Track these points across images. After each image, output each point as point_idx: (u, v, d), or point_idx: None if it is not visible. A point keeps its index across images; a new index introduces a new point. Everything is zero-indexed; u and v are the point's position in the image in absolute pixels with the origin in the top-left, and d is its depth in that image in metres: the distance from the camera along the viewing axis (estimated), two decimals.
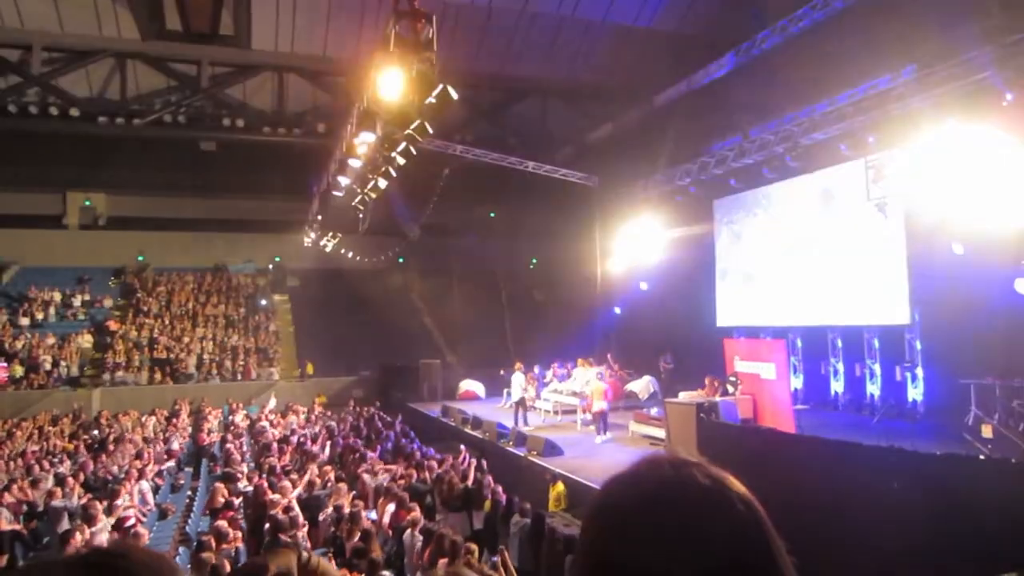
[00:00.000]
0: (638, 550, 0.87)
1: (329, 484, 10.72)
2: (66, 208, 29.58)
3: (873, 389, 15.76)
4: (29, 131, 21.99)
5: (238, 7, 18.95)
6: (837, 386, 16.90)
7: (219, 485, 10.87)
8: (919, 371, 14.61)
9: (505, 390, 21.22)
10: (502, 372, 21.34)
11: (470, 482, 10.23)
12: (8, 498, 10.95)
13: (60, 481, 12.03)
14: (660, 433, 13.25)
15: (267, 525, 8.25)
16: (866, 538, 7.14)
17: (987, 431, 11.09)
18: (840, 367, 16.89)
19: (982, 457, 9.44)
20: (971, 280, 13.35)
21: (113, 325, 26.59)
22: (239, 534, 8.54)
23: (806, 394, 17.49)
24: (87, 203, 29.86)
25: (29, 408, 21.46)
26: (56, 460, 14.70)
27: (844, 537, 7.16)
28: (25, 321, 25.79)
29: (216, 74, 23.06)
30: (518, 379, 17.27)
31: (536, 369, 20.19)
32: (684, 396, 13.77)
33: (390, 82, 9.17)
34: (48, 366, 23.82)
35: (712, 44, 18.14)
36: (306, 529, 8.70)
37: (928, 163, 13.42)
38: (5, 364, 23.23)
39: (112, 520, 9.16)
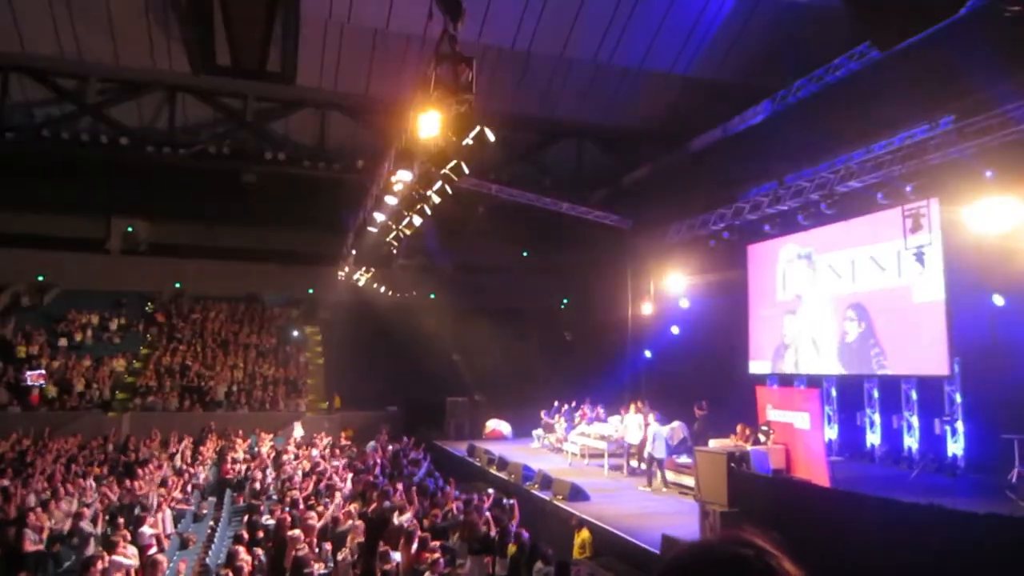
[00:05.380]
0: None
1: (351, 521, 10.65)
2: (109, 233, 30.35)
3: (911, 442, 15.31)
4: (80, 158, 22.71)
5: (286, 46, 19.45)
6: (873, 438, 16.46)
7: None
8: (959, 425, 14.17)
9: (534, 431, 21.05)
10: (543, 414, 20.98)
11: (493, 531, 10.02)
12: (33, 519, 11.03)
13: (86, 505, 12.13)
14: (689, 481, 12.98)
15: (288, 562, 8.20)
16: None
17: None
18: (876, 418, 16.46)
19: None
20: (1013, 332, 13.04)
21: (146, 350, 27.04)
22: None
23: (841, 446, 17.05)
24: (129, 229, 30.61)
25: (59, 429, 21.75)
26: (83, 483, 14.81)
27: None
28: (63, 342, 26.32)
29: (261, 108, 23.71)
30: (635, 421, 16.01)
31: (564, 408, 20.00)
32: (714, 444, 13.51)
33: (429, 122, 9.32)
34: (81, 388, 24.21)
35: (748, 91, 18.20)
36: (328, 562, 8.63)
37: (967, 213, 13.23)
38: (44, 372, 23.62)
39: (135, 548, 9.17)
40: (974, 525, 7.03)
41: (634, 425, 15.85)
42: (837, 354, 16.62)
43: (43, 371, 23.66)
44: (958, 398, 14.19)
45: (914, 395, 15.32)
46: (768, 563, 1.17)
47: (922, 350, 14.52)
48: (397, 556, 9.03)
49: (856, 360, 16.14)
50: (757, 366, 18.93)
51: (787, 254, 18.09)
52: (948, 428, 14.35)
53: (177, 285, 30.95)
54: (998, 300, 13.32)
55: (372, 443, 21.16)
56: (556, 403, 20.59)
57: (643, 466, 15.26)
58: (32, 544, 10.42)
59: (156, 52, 20.30)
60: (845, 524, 7.80)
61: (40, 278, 28.91)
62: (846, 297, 16.44)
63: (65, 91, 22.24)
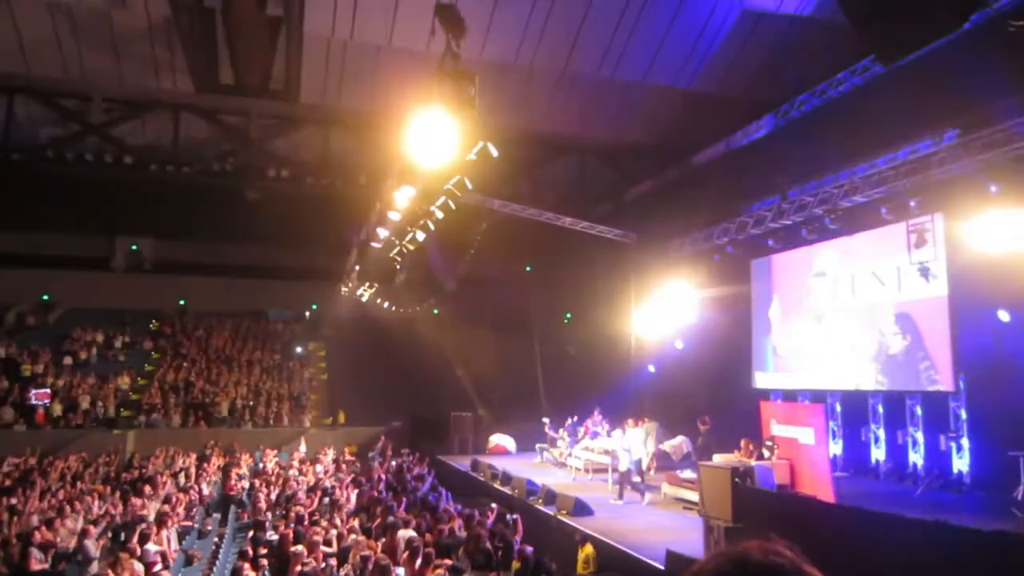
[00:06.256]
0: None
1: (355, 536, 10.61)
2: (114, 251, 30.47)
3: (916, 458, 15.22)
4: (84, 177, 22.85)
5: (289, 64, 19.66)
6: (878, 454, 16.38)
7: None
8: (964, 441, 14.10)
9: (537, 445, 20.97)
10: (548, 428, 20.83)
11: (492, 549, 9.95)
12: (39, 538, 11.01)
13: (92, 523, 12.10)
14: (693, 496, 12.91)
15: None
16: None
17: None
18: (881, 434, 16.38)
19: None
20: (1019, 348, 12.98)
21: (150, 367, 27.07)
22: None
23: (845, 461, 16.96)
24: (134, 247, 30.73)
25: (64, 447, 21.73)
26: (88, 501, 14.78)
27: None
28: (68, 361, 26.35)
29: (264, 126, 23.88)
30: (636, 436, 15.76)
31: (568, 422, 19.93)
32: (718, 459, 13.46)
33: (432, 138, 9.36)
34: (86, 405, 24.21)
35: (751, 105, 18.27)
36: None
37: (972, 228, 13.23)
38: (48, 391, 23.68)
39: (140, 566, 9.15)
40: (981, 542, 6.97)
41: (637, 440, 15.78)
42: (876, 367, 15.68)
43: (48, 390, 23.70)
44: (963, 414, 14.13)
45: (919, 411, 15.25)
46: (801, 570, 1.23)
47: (927, 365, 14.46)
48: (401, 572, 8.99)
49: (902, 374, 15.08)
50: (769, 379, 18.69)
51: (820, 263, 17.04)
52: (953, 444, 14.28)
53: (181, 302, 31.03)
54: (1003, 316, 13.27)
55: (372, 453, 21.13)
56: (549, 420, 20.57)
57: (636, 479, 15.14)
58: (38, 563, 10.38)
59: (160, 72, 20.47)
60: (850, 540, 7.75)
61: (45, 297, 29.02)
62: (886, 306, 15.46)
63: (70, 111, 22.43)
